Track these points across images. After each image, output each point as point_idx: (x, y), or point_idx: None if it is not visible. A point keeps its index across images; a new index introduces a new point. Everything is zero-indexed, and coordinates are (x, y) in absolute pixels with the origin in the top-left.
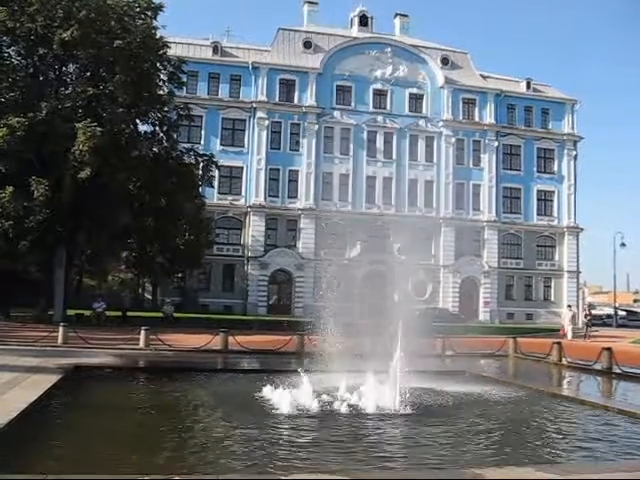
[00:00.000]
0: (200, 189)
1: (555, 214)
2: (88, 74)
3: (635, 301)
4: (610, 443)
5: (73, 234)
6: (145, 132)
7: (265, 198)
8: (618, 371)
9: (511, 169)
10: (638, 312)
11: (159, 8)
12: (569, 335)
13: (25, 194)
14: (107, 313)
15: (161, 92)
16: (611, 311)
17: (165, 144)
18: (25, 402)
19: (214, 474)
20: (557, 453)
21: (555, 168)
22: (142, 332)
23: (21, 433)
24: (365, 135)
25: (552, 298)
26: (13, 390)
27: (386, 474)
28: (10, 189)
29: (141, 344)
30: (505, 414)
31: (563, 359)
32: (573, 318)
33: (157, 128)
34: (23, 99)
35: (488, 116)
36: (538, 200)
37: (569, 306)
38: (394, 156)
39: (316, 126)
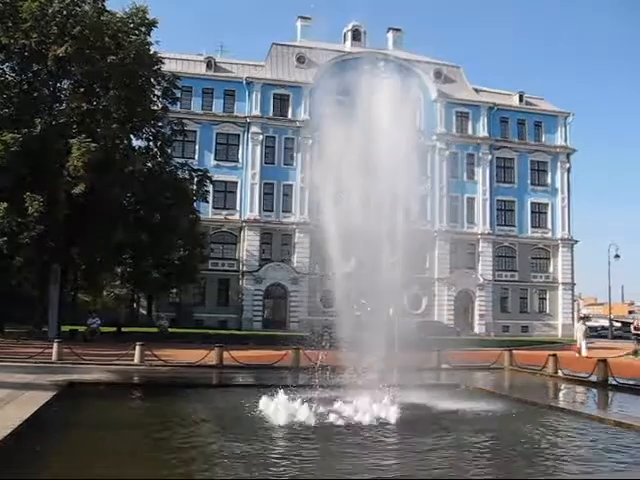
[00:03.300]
0: (194, 204)
1: (549, 226)
2: (82, 90)
3: (630, 312)
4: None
5: (67, 250)
6: (139, 147)
7: (260, 213)
8: (614, 383)
9: (505, 182)
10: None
11: (153, 24)
12: (584, 351)
13: (19, 210)
14: (102, 329)
15: (155, 107)
16: (606, 322)
17: (159, 159)
18: (19, 419)
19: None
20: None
21: (549, 181)
22: (137, 348)
23: (15, 450)
24: None
25: (547, 310)
26: (7, 407)
27: None
28: (4, 205)
29: (136, 360)
30: (499, 426)
31: (559, 371)
32: (586, 332)
33: (151, 143)
34: (17, 115)
35: (481, 129)
36: (532, 213)
37: (581, 318)
38: None
39: (310, 140)
